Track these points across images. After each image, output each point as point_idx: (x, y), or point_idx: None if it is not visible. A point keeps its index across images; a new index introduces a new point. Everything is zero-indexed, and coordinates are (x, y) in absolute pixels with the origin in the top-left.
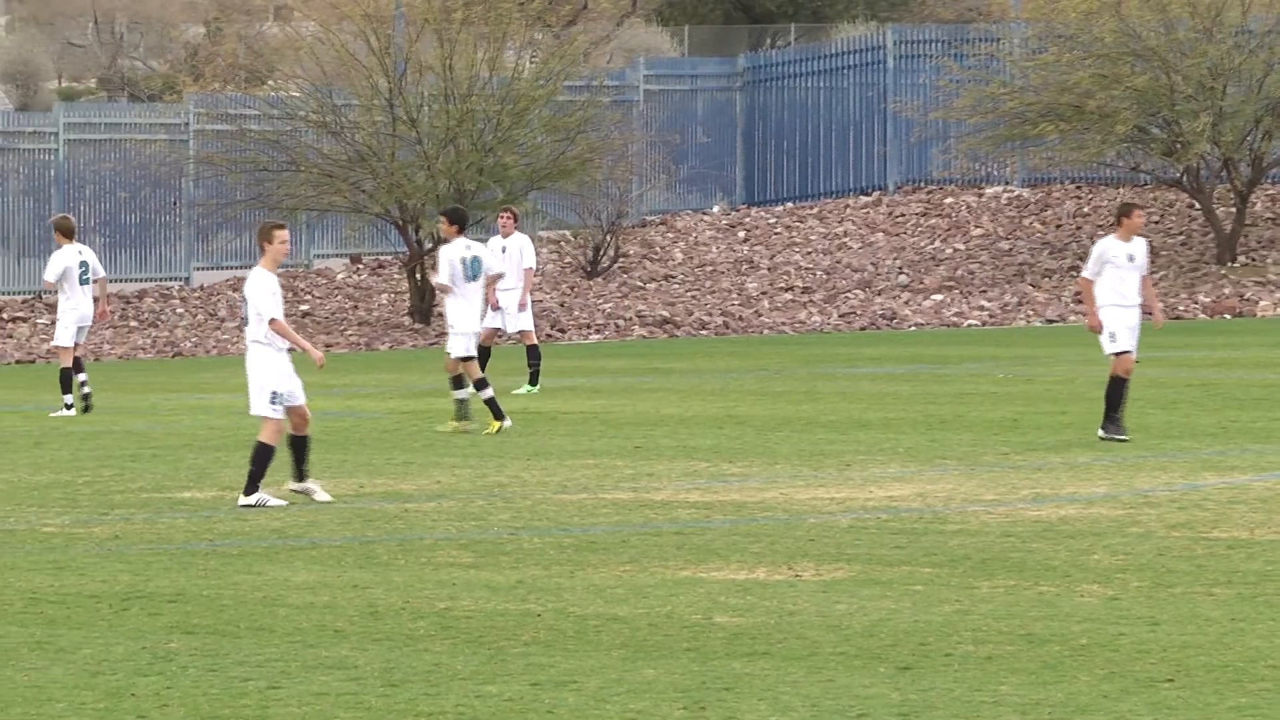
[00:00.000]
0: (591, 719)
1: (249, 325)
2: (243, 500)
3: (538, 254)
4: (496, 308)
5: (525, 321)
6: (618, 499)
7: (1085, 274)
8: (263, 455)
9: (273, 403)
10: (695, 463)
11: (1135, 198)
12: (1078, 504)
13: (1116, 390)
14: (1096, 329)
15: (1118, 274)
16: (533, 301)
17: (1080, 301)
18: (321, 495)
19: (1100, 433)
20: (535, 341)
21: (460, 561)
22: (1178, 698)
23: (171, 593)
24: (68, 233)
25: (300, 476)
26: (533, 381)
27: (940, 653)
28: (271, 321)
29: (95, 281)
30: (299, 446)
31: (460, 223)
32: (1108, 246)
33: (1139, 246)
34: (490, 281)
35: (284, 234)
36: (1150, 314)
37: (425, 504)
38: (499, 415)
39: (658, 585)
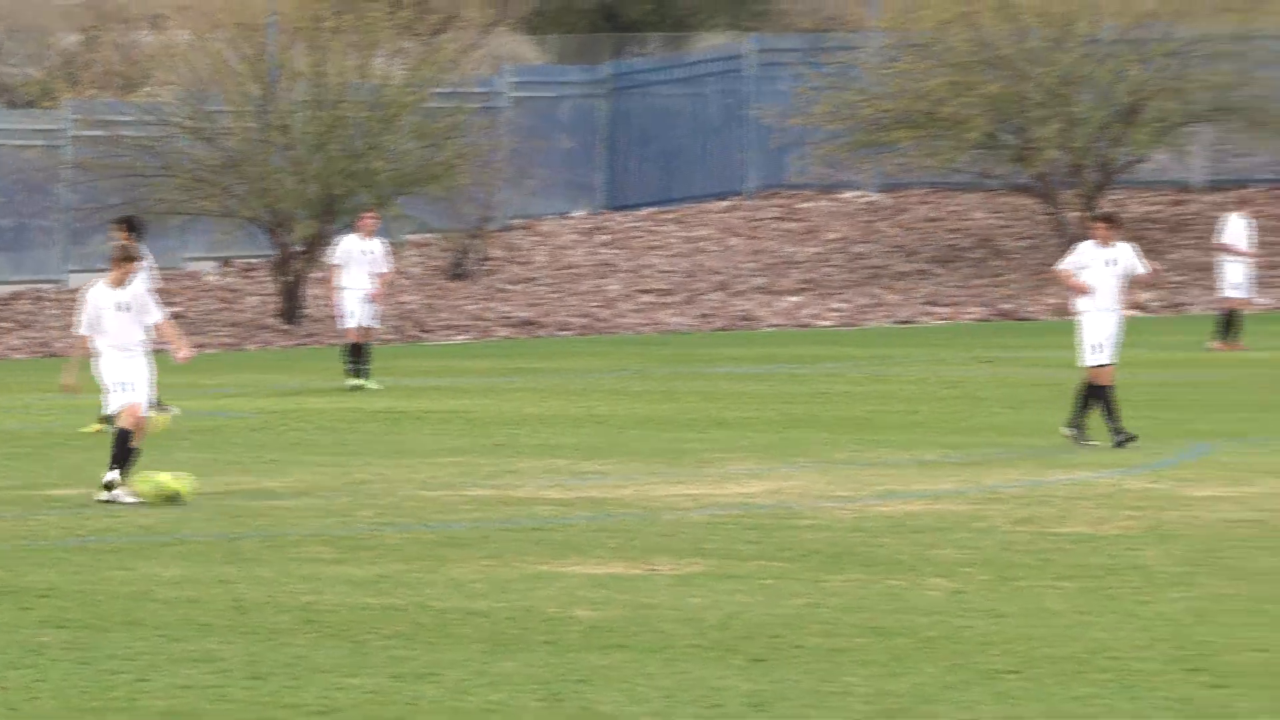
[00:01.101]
0: (451, 710)
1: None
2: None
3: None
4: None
5: (374, 320)
6: (479, 496)
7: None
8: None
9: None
10: (555, 460)
11: (1112, 209)
12: (926, 500)
13: (1095, 396)
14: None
15: (1096, 278)
16: (399, 303)
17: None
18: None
19: (1064, 429)
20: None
21: (324, 557)
22: (1021, 688)
23: (43, 587)
24: None
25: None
26: (366, 376)
27: (791, 645)
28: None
29: None
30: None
31: (137, 230)
32: (1084, 251)
33: (1121, 251)
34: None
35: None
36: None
37: (290, 501)
38: None
39: (517, 580)
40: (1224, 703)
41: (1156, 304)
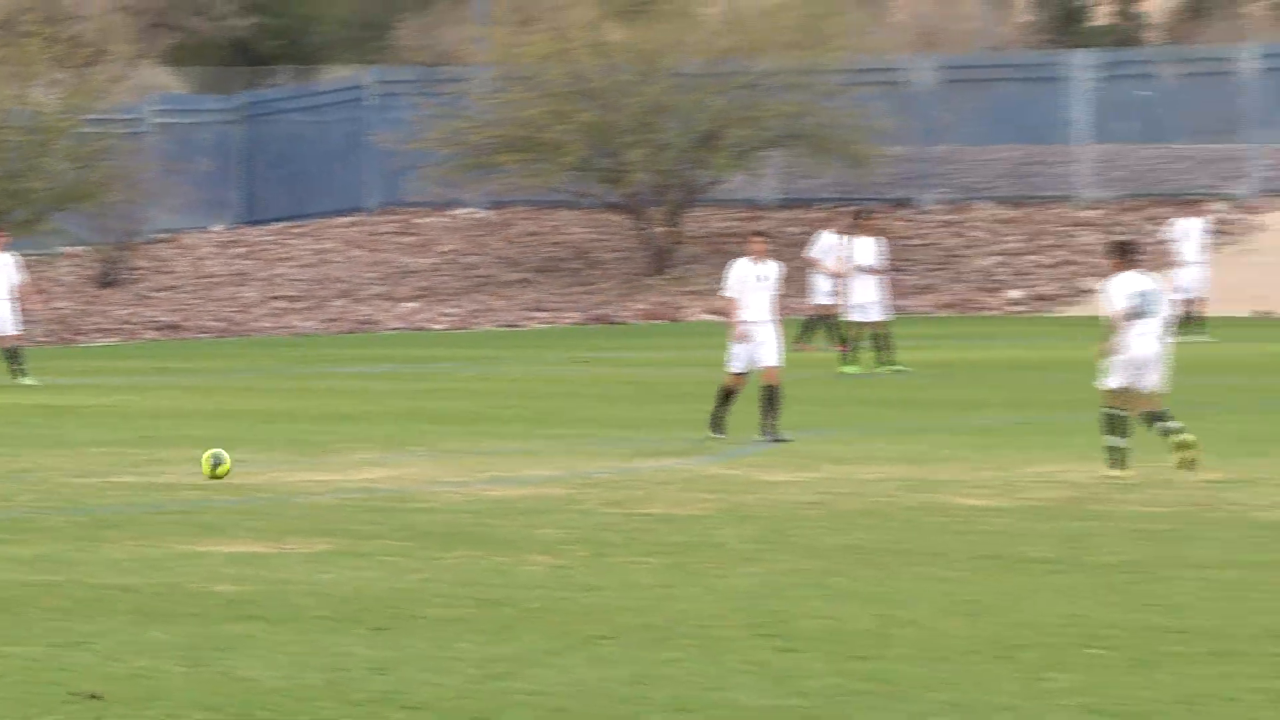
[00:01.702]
0: (104, 675)
1: None
2: None
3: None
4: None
5: (18, 326)
6: (129, 482)
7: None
8: None
9: None
10: (197, 451)
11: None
12: (530, 485)
13: (729, 397)
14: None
15: (750, 292)
16: (54, 309)
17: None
18: None
19: (710, 433)
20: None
21: None
22: (614, 653)
23: None
24: None
25: None
26: (23, 373)
27: (409, 615)
28: None
29: None
30: None
31: None
32: (740, 266)
33: (771, 269)
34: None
35: None
36: None
37: None
38: None
39: (164, 558)
40: (794, 665)
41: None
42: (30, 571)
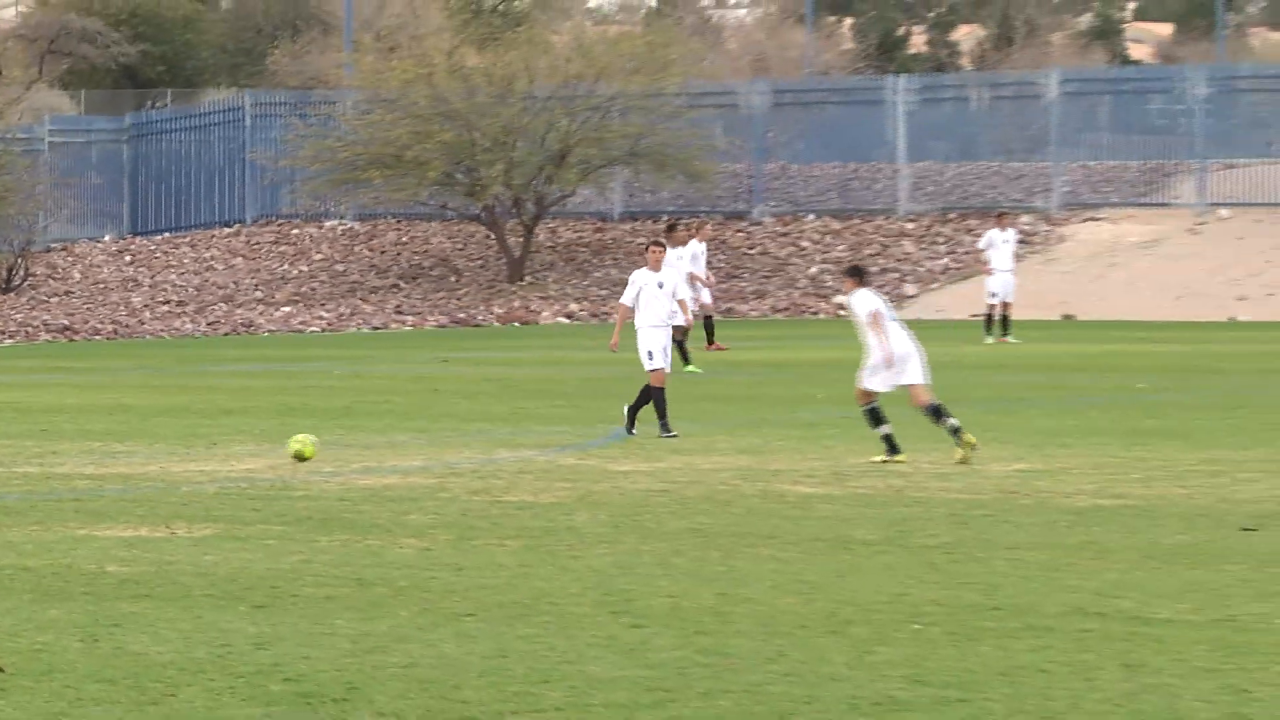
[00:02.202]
0: (5, 650)
1: None
2: None
3: None
4: None
5: None
6: (28, 472)
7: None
8: None
9: None
10: (91, 443)
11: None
12: (398, 474)
13: (647, 395)
14: None
15: (649, 298)
16: None
17: None
18: None
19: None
20: None
21: None
22: (478, 629)
23: None
24: None
25: None
26: None
27: (288, 594)
28: None
29: None
30: None
31: None
32: (640, 276)
33: (669, 275)
34: None
35: None
36: None
37: None
38: None
39: (60, 541)
40: (643, 639)
41: (584, 313)
42: None
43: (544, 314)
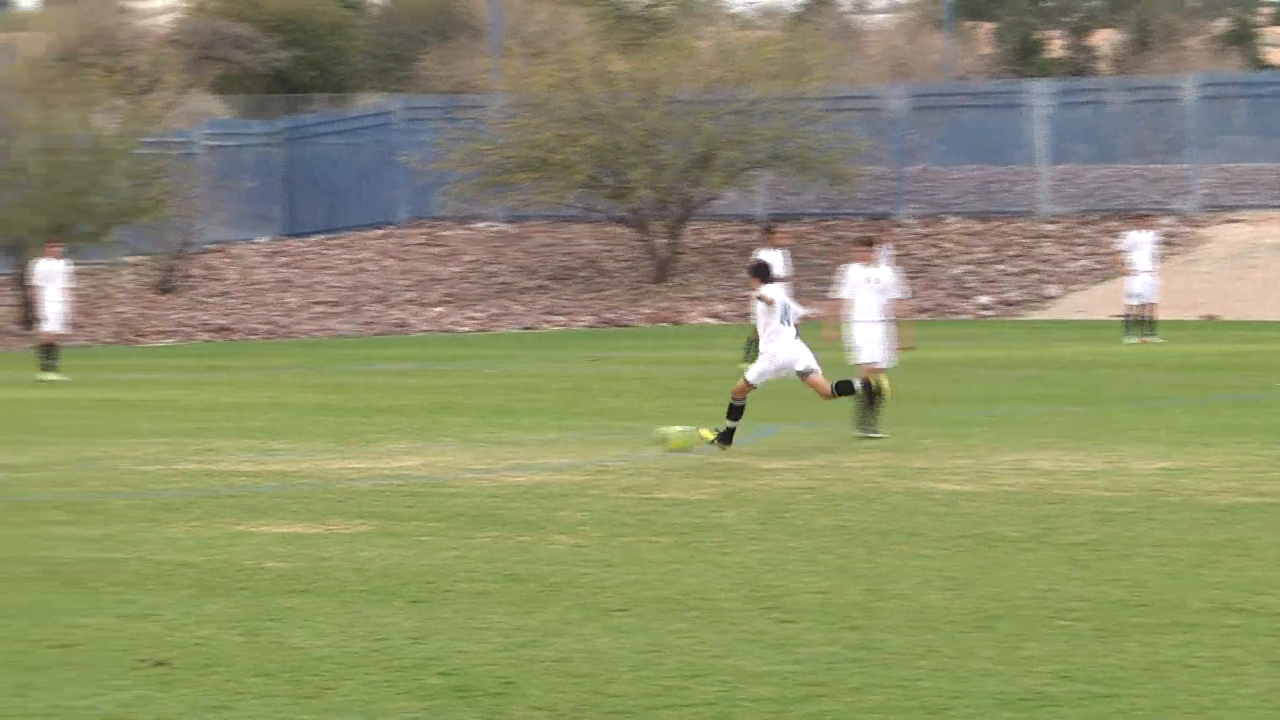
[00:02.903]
0: (168, 643)
1: None
2: None
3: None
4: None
5: (65, 327)
6: (187, 469)
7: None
8: None
9: None
10: (248, 440)
11: (872, 233)
12: (549, 471)
13: (865, 389)
14: None
15: (861, 295)
16: (117, 312)
17: None
18: None
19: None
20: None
21: (60, 519)
22: (629, 624)
23: None
24: None
25: None
26: (51, 369)
27: (443, 589)
28: None
29: None
30: None
31: None
32: (852, 272)
33: (883, 272)
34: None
35: None
36: None
37: (32, 473)
38: None
39: (219, 537)
40: (792, 635)
41: (730, 314)
42: (99, 549)
43: (691, 314)
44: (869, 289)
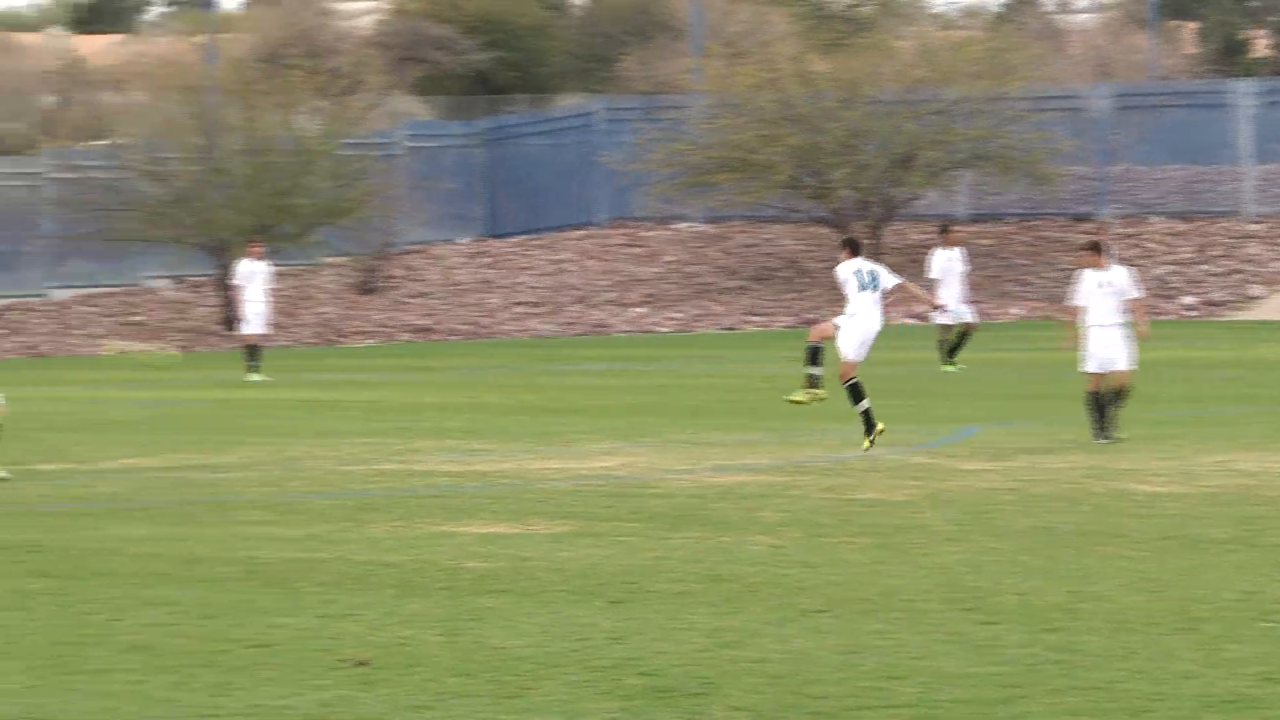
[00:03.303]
0: (369, 643)
1: None
2: None
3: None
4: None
5: (267, 328)
6: (388, 469)
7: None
8: None
9: None
10: (449, 440)
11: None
12: (749, 472)
13: (1115, 396)
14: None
15: (1094, 300)
16: (318, 313)
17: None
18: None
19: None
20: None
21: (262, 519)
22: (829, 624)
23: (31, 544)
24: None
25: None
26: (255, 370)
27: (643, 590)
28: None
29: None
30: None
31: None
32: (1085, 278)
33: (1116, 274)
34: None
35: None
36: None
37: (234, 474)
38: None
39: (420, 537)
40: (993, 637)
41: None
42: (300, 550)
43: (891, 314)
44: (1102, 293)
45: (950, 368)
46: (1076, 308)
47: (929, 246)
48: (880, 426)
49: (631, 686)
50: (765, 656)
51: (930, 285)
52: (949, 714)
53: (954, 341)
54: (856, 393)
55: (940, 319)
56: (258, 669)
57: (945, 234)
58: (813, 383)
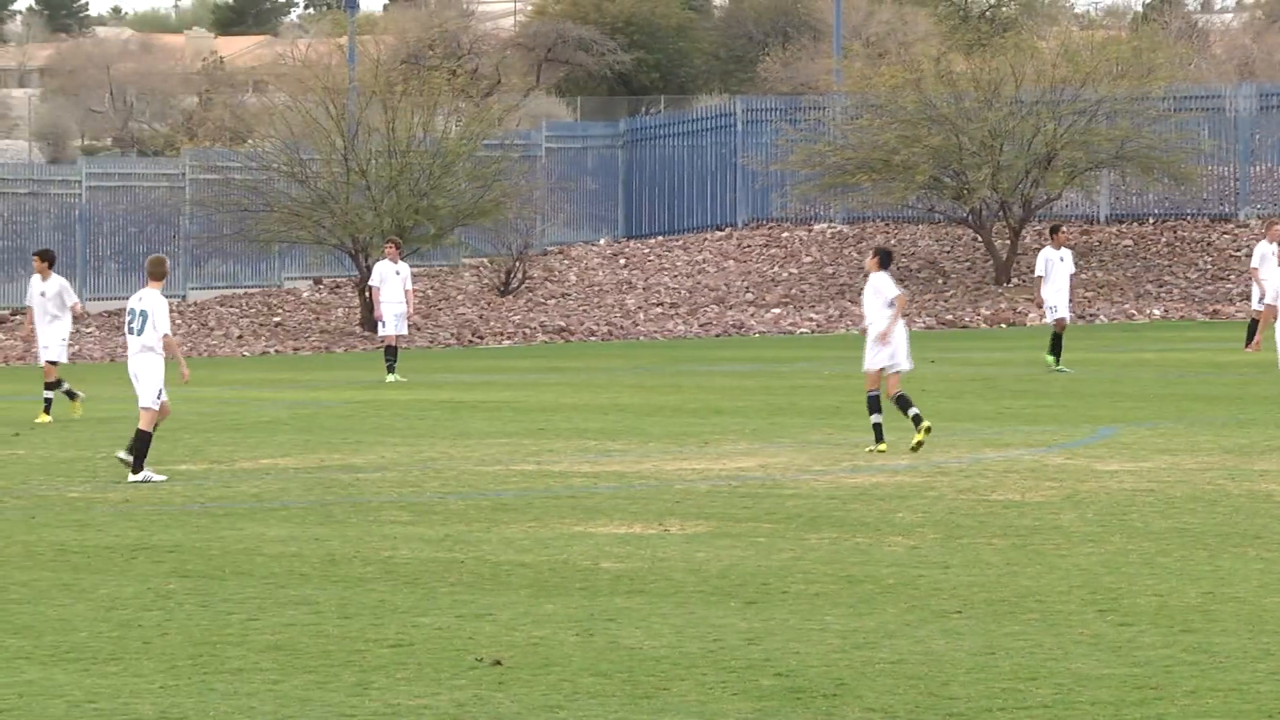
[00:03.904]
0: (504, 644)
1: (140, 334)
2: (132, 478)
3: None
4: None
5: (405, 329)
6: (524, 470)
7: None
8: (144, 440)
9: (159, 398)
10: (586, 441)
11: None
12: (886, 473)
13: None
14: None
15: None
16: (457, 314)
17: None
18: (157, 476)
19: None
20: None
21: (400, 519)
22: (965, 625)
23: (170, 545)
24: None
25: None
26: (393, 371)
27: (778, 590)
28: (165, 335)
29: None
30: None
31: None
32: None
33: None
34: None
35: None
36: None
37: (372, 474)
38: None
39: (556, 538)
40: (1130, 638)
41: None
42: (437, 550)
43: (1030, 316)
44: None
45: (1054, 365)
46: (1275, 308)
47: (1069, 246)
48: (883, 446)
49: (766, 687)
50: (900, 658)
51: (1035, 283)
52: (1084, 716)
53: (1052, 343)
54: (874, 405)
55: (1049, 318)
56: (395, 669)
57: (1054, 234)
58: (915, 422)
